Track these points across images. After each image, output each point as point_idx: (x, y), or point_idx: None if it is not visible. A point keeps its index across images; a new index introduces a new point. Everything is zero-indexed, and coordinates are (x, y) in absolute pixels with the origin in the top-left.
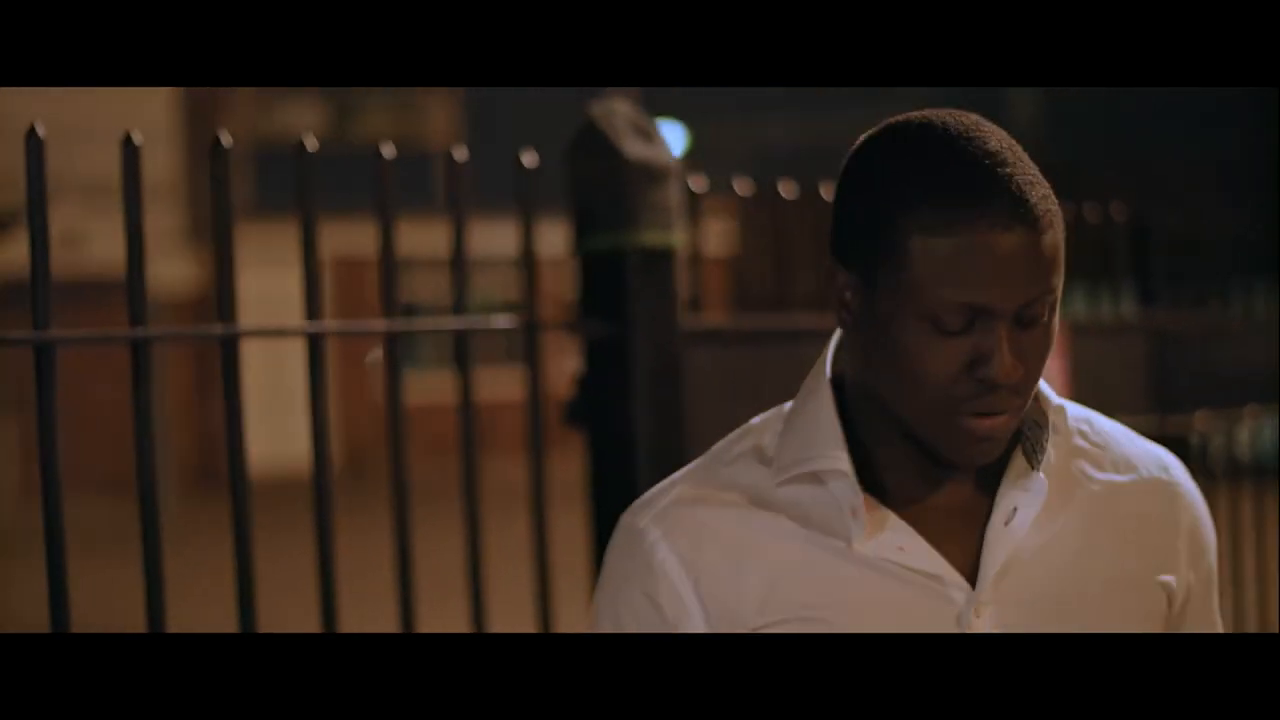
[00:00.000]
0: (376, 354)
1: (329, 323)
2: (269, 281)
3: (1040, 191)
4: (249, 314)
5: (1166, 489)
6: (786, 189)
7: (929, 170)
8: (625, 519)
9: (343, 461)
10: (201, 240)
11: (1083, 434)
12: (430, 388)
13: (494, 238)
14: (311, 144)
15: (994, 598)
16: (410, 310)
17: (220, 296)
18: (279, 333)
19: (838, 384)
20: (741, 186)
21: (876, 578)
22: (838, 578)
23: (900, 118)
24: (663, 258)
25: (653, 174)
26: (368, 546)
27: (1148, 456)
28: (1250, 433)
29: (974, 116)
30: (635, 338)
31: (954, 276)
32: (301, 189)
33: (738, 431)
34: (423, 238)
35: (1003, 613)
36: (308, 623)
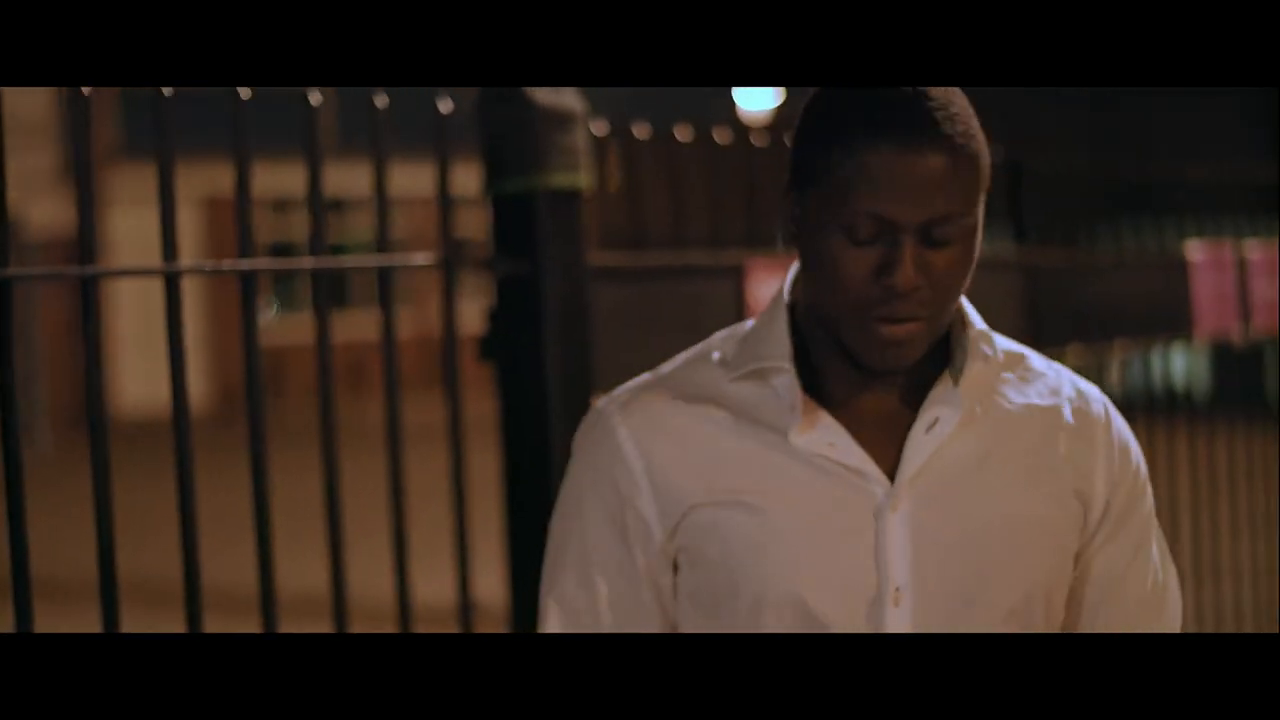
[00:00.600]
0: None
1: (261, 260)
2: (142, 221)
3: (955, 128)
4: (124, 253)
5: (1086, 413)
6: (682, 132)
7: (857, 101)
8: (595, 406)
9: (216, 402)
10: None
11: (1012, 363)
12: (302, 329)
13: (359, 178)
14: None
15: (910, 494)
16: (285, 250)
17: (164, 235)
18: (219, 271)
19: (792, 308)
20: (639, 130)
21: (808, 470)
22: (773, 466)
23: None
24: (571, 198)
25: (562, 119)
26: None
27: (1071, 386)
28: (1120, 367)
29: None
30: (546, 275)
31: (864, 189)
32: (238, 133)
33: (702, 343)
34: (288, 178)
35: (917, 507)
36: (226, 564)
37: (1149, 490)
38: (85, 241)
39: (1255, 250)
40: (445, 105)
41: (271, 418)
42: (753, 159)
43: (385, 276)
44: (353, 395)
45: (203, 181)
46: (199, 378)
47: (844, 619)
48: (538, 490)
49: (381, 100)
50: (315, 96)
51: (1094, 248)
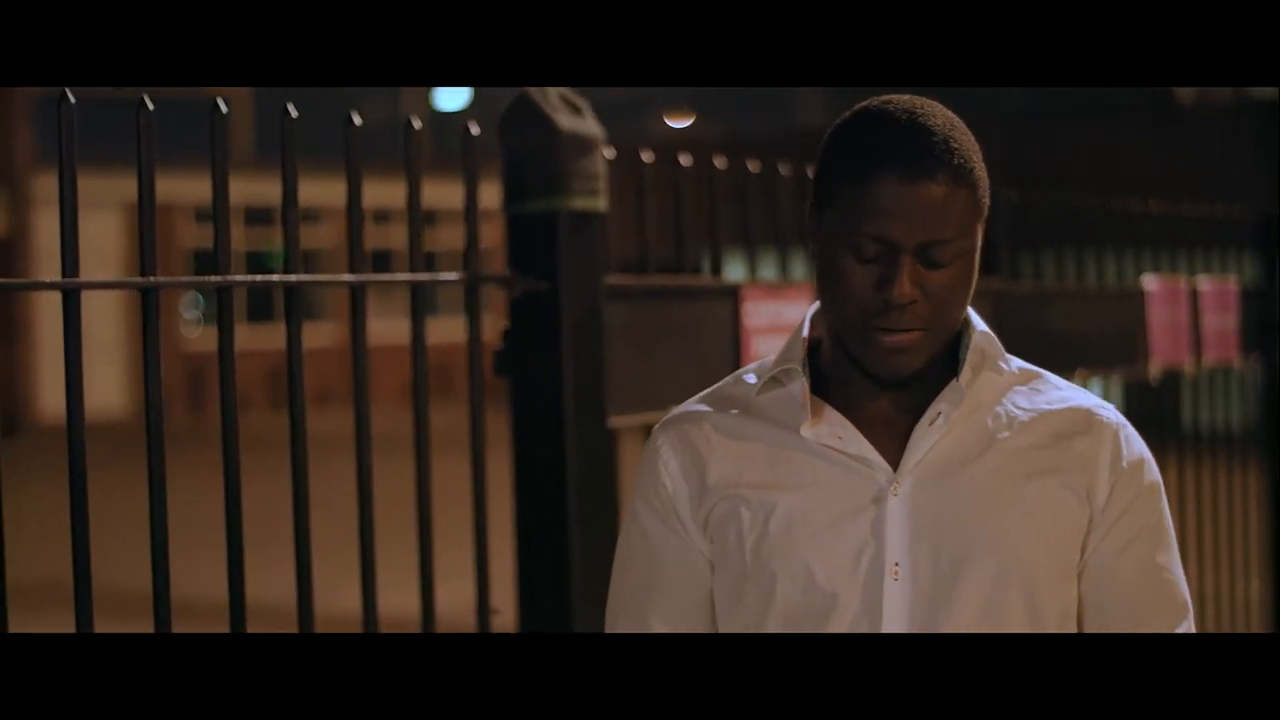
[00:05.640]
0: None
1: (304, 276)
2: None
3: (953, 160)
4: (48, 260)
5: (1092, 421)
6: (647, 155)
7: (869, 134)
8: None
9: (133, 412)
10: None
11: (1027, 378)
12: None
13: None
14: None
15: (910, 480)
16: (208, 259)
17: (143, 246)
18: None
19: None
20: (645, 155)
21: (818, 461)
22: (785, 460)
23: (869, 100)
24: (590, 220)
25: (583, 144)
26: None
27: (1086, 399)
28: None
29: (924, 100)
30: (565, 294)
31: (865, 214)
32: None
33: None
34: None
35: (916, 492)
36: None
37: (1159, 508)
38: (67, 252)
39: (1206, 284)
40: (475, 128)
41: (195, 427)
42: (747, 181)
43: (418, 292)
44: (275, 407)
45: (128, 186)
46: (118, 389)
47: (847, 591)
48: (552, 504)
49: (418, 122)
50: (358, 118)
51: (1060, 279)
